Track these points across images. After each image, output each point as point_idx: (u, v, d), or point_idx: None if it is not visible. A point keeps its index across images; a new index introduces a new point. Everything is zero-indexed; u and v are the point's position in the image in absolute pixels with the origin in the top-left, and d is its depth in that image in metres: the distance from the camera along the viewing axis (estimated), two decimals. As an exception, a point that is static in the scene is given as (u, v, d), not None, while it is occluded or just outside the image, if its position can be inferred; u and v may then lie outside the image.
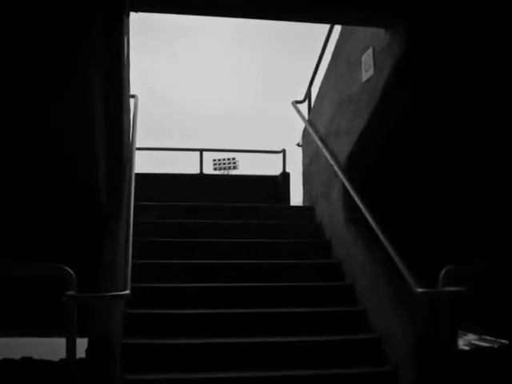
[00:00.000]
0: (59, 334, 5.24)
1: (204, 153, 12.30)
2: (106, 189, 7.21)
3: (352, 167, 7.97)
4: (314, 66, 9.87)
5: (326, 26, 8.91)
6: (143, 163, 9.93)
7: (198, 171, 12.09)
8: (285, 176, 11.70)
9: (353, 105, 7.86)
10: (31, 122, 6.14)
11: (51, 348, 7.00)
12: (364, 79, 7.49)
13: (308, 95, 10.32)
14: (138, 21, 7.10)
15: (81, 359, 5.09)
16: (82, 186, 7.01)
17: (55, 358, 5.74)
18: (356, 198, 7.45)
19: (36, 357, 6.03)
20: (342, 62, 8.45)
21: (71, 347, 4.92)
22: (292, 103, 10.38)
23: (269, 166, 13.01)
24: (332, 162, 8.27)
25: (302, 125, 10.31)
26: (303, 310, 7.10)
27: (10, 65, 5.53)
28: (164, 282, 7.30)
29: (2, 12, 5.09)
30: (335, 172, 8.17)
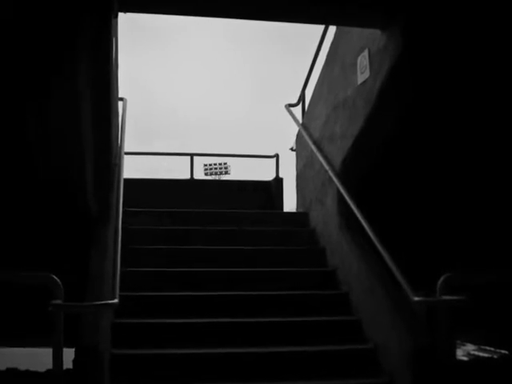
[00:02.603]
0: (46, 344, 5.25)
1: (195, 158, 12.30)
2: (94, 194, 7.21)
3: (347, 172, 7.98)
4: (308, 67, 9.91)
5: (321, 27, 8.94)
6: (133, 168, 9.96)
7: (188, 176, 12.09)
8: (278, 181, 11.71)
9: (348, 108, 7.89)
10: (16, 121, 6.15)
11: (37, 358, 7.02)
12: (359, 82, 7.52)
13: (302, 98, 10.34)
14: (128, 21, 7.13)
15: (68, 370, 5.09)
16: (68, 189, 7.01)
17: (41, 369, 5.75)
18: (351, 204, 7.46)
19: (22, 368, 6.04)
20: (337, 64, 8.48)
21: (58, 357, 4.91)
22: (285, 106, 10.40)
23: (262, 171, 13.03)
24: (327, 167, 8.28)
25: (295, 128, 10.34)
26: (297, 320, 7.11)
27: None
28: (153, 291, 7.30)
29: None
30: (330, 177, 8.18)
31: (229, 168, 34.57)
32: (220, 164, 35.09)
